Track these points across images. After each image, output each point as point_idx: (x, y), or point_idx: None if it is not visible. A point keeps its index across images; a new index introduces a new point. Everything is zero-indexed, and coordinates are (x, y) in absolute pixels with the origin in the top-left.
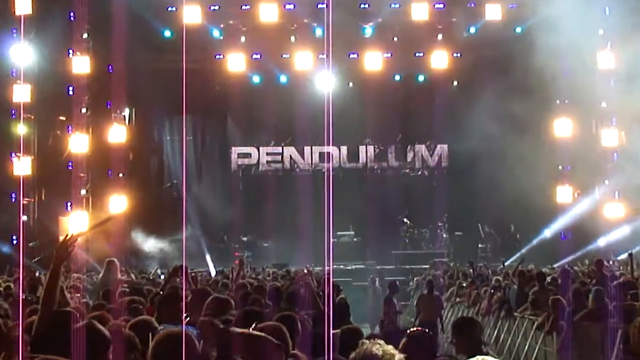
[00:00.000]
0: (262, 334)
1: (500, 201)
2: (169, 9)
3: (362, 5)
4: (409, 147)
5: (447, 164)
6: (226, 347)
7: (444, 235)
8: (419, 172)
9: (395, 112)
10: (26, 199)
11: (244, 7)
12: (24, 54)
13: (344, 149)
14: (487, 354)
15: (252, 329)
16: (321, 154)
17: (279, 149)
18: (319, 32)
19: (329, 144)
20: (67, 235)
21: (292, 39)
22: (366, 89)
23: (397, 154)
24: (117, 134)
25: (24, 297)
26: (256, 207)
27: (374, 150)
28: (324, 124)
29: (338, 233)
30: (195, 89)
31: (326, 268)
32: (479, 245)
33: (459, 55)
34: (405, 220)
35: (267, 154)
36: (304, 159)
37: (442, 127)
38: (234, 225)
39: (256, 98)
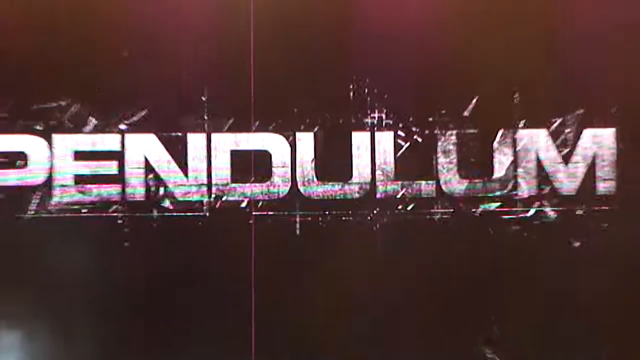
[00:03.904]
0: None
1: None
2: None
3: None
4: (499, 137)
5: (615, 187)
6: None
7: None
8: (528, 213)
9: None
10: None
11: None
12: None
13: (304, 140)
14: None
15: None
16: (238, 157)
17: (113, 141)
18: None
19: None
20: None
21: None
22: None
23: (464, 155)
24: None
25: None
26: (39, 316)
27: (395, 141)
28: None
29: None
30: None
31: None
32: None
33: None
34: (488, 354)
35: (78, 155)
36: (186, 171)
37: (598, 77)
38: None
39: None
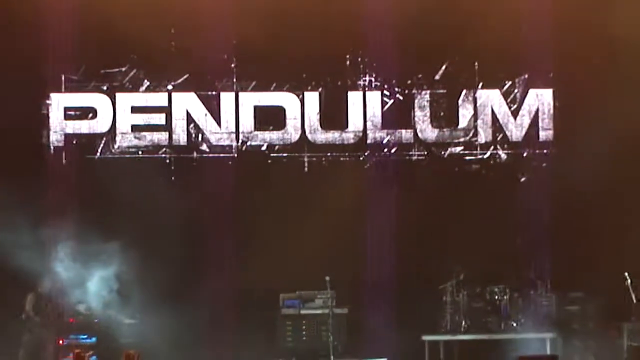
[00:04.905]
0: None
1: None
2: None
3: None
4: (463, 95)
5: (552, 135)
6: None
7: (544, 302)
8: (485, 155)
9: None
10: None
11: None
12: None
13: (311, 98)
14: None
15: None
16: (260, 111)
17: (161, 98)
18: None
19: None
20: None
21: None
22: None
23: (435, 110)
24: None
25: None
26: (107, 235)
27: (381, 98)
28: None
29: (300, 293)
30: None
31: None
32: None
33: None
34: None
35: (134, 109)
36: (219, 122)
37: (540, 49)
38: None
39: None
